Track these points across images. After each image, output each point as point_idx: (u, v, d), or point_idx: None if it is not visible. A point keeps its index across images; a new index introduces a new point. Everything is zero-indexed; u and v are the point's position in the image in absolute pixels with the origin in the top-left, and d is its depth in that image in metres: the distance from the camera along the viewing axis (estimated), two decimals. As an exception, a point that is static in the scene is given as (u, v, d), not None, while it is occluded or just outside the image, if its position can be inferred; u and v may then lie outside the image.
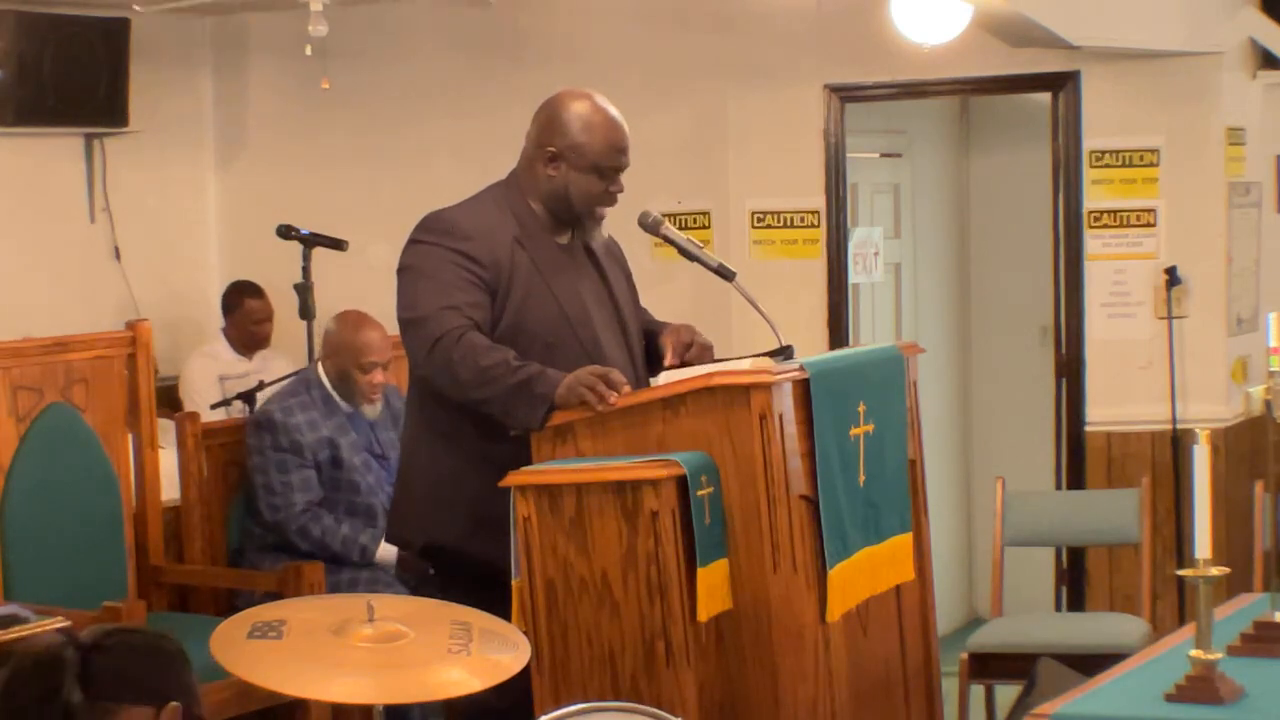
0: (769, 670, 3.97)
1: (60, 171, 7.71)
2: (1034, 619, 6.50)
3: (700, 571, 3.88)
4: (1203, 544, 3.82)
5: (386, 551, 5.90)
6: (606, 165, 4.37)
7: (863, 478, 4.26)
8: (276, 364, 7.34)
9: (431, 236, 4.34)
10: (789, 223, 7.44)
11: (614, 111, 4.42)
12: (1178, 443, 7.02)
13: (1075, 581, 7.25)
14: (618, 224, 4.58)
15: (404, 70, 7.88)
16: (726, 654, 3.99)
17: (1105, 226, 7.20)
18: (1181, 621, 6.57)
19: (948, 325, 8.85)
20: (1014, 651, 5.92)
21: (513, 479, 3.97)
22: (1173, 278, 7.08)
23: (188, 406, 7.23)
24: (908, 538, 4.47)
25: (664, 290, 6.02)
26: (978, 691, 6.15)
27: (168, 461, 6.09)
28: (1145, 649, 4.71)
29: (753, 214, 7.46)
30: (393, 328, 4.60)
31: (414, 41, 7.88)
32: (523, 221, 4.41)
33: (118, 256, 7.84)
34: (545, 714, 3.66)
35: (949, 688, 5.27)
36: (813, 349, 5.65)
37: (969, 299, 8.95)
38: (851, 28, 7.21)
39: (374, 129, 7.93)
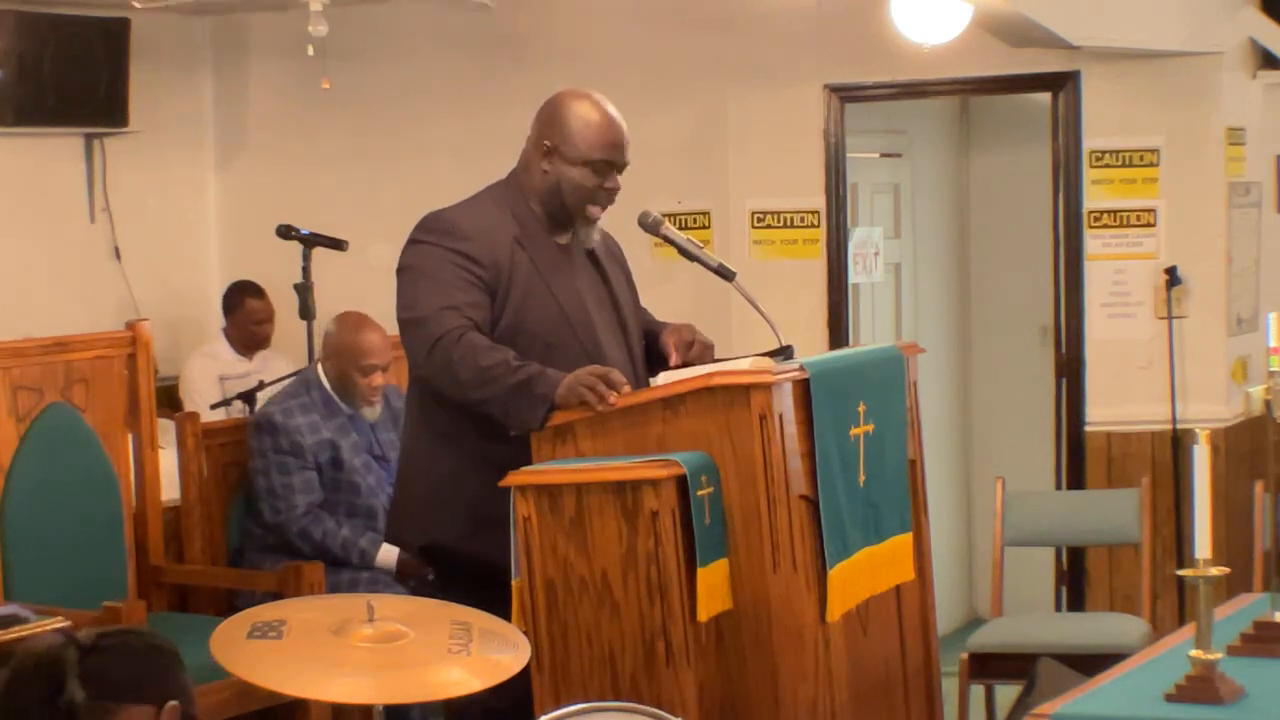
0: (769, 670, 3.97)
1: (60, 171, 7.71)
2: (1034, 619, 6.50)
3: (700, 571, 3.88)
4: (1203, 544, 3.82)
5: (385, 556, 5.91)
6: (598, 159, 4.37)
7: (863, 478, 4.26)
8: (277, 364, 7.34)
9: (431, 236, 4.34)
10: (789, 223, 7.44)
11: (612, 110, 4.42)
12: (1178, 443, 7.02)
13: (1075, 581, 7.25)
14: (618, 224, 4.58)
15: (404, 70, 7.88)
16: (726, 654, 3.99)
17: (1105, 226, 7.20)
18: (1181, 621, 6.57)
19: (948, 325, 8.85)
20: (1014, 651, 5.92)
21: (513, 479, 3.97)
22: (1173, 278, 7.08)
23: (188, 406, 7.23)
24: (908, 538, 4.47)
25: (664, 290, 6.02)
26: (978, 691, 6.15)
27: (168, 461, 6.09)
28: (1145, 649, 4.71)
29: (753, 214, 7.46)
30: (393, 328, 4.60)
31: (414, 41, 7.88)
32: (522, 221, 4.41)
33: (118, 256, 7.84)
34: (545, 714, 3.66)
35: (949, 688, 5.27)
36: (813, 349, 5.65)
37: (969, 299, 8.95)
38: (851, 28, 7.21)
39: (374, 129, 7.93)
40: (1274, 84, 7.42)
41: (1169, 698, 3.83)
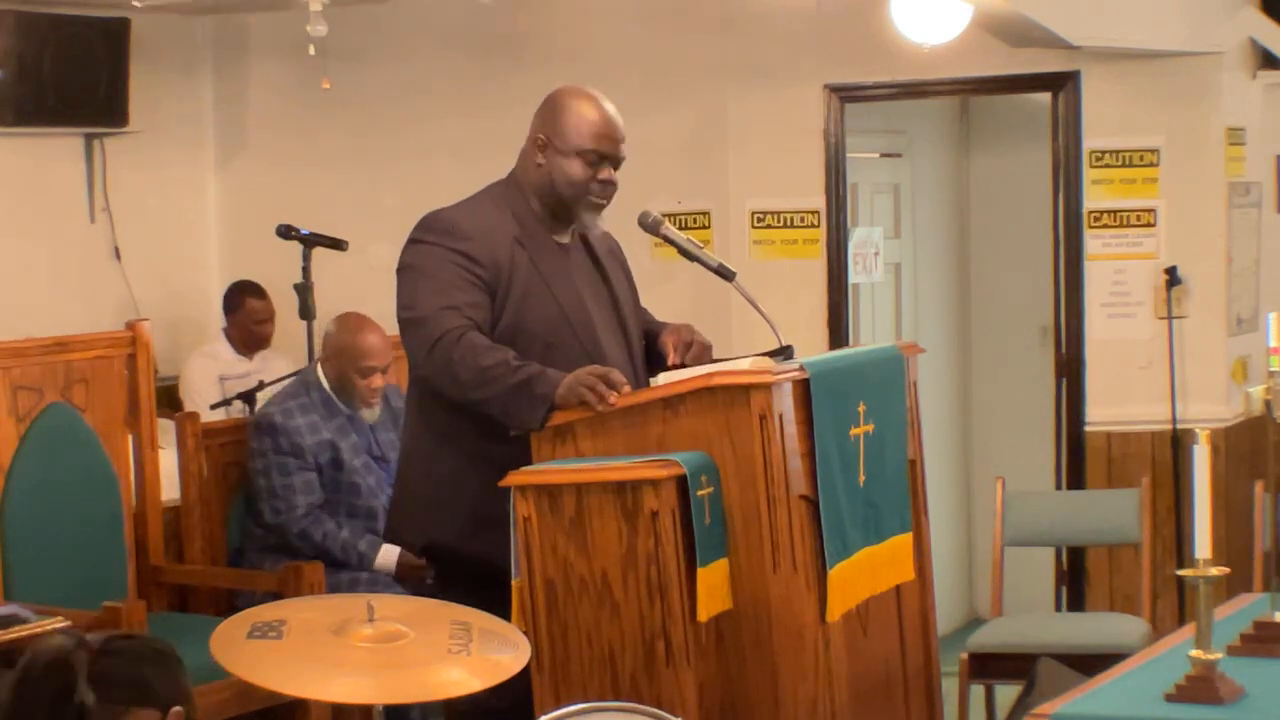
0: (769, 670, 3.97)
1: (60, 171, 7.71)
2: (1034, 619, 6.50)
3: (700, 571, 3.88)
4: (1203, 544, 3.82)
5: (384, 558, 5.91)
6: (589, 149, 4.36)
7: (863, 478, 4.26)
8: (276, 364, 7.33)
9: (431, 236, 4.34)
10: (789, 223, 7.44)
11: (607, 104, 4.42)
12: (1178, 443, 7.02)
13: (1075, 581, 7.25)
14: (618, 224, 4.58)
15: (404, 70, 7.88)
16: (726, 654, 3.99)
17: (1105, 226, 7.20)
18: (1181, 621, 6.57)
19: (948, 325, 8.85)
20: (1014, 651, 5.92)
21: (513, 479, 3.97)
22: (1173, 278, 7.08)
23: (188, 406, 7.23)
24: (908, 538, 4.47)
25: (664, 290, 6.02)
26: (978, 691, 6.15)
27: (168, 461, 6.09)
28: (1145, 649, 4.71)
29: (753, 214, 7.46)
30: (393, 329, 4.60)
31: (414, 41, 7.88)
32: (522, 221, 4.41)
33: (118, 256, 7.84)
34: (545, 714, 3.66)
35: (949, 688, 5.27)
36: (813, 349, 5.65)
37: (969, 299, 8.95)
38: (851, 28, 7.21)
39: (374, 129, 7.93)
40: (1274, 84, 7.42)
41: (1169, 698, 3.83)
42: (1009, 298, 8.73)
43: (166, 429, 6.25)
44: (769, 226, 7.45)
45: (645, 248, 6.09)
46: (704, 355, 4.45)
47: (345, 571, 5.88)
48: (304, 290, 6.49)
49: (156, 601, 5.89)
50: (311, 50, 6.60)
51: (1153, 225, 7.15)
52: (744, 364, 4.10)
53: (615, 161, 4.41)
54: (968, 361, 8.96)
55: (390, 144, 7.90)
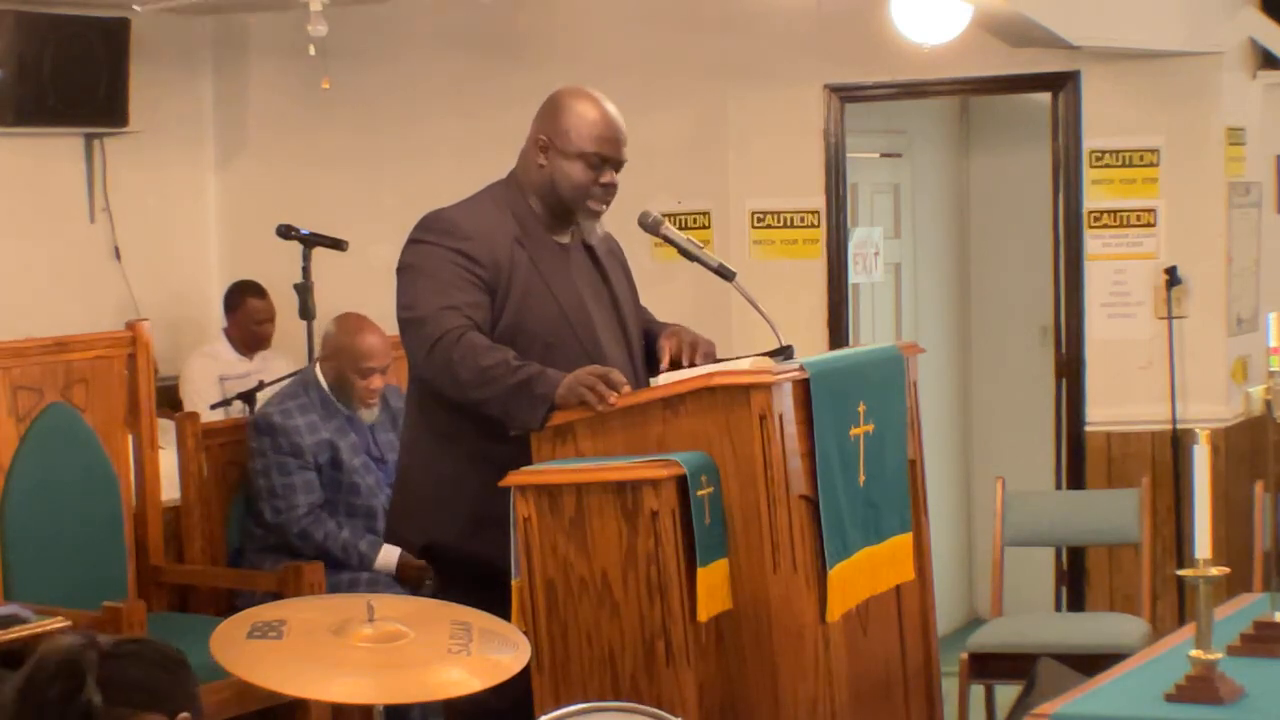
0: (769, 670, 3.97)
1: (60, 171, 7.71)
2: (1034, 619, 6.50)
3: (700, 571, 3.88)
4: (1203, 544, 3.82)
5: (385, 559, 5.91)
6: (592, 153, 4.36)
7: (863, 478, 4.26)
8: (276, 364, 7.33)
9: (431, 236, 4.34)
10: (789, 223, 7.44)
11: (609, 106, 4.42)
12: (1178, 443, 7.02)
13: (1075, 581, 7.25)
14: (618, 224, 4.58)
15: (404, 70, 7.88)
16: (726, 654, 3.99)
17: (1105, 226, 7.20)
18: (1181, 621, 6.57)
19: (948, 325, 8.85)
20: (1014, 651, 5.92)
21: (513, 479, 3.97)
22: (1173, 278, 7.08)
23: (187, 406, 7.23)
24: (908, 538, 4.47)
25: (664, 290, 6.01)
26: (978, 691, 6.15)
27: (168, 461, 6.09)
28: (1145, 649, 4.71)
29: (753, 214, 7.46)
30: (393, 329, 4.60)
31: (414, 41, 7.88)
32: (522, 221, 4.40)
33: (118, 256, 7.84)
34: (545, 714, 3.66)
35: (949, 688, 5.27)
36: (813, 349, 5.65)
37: (969, 299, 8.96)
38: (851, 28, 7.21)
39: (374, 129, 7.93)
40: (1274, 84, 7.42)
41: (1169, 698, 3.83)
42: (1009, 298, 8.73)
43: (166, 429, 6.25)
44: (769, 226, 7.45)
45: (645, 248, 6.10)
46: (713, 353, 4.45)
47: (345, 571, 5.88)
48: (304, 290, 6.48)
49: (156, 601, 5.89)
50: (311, 50, 6.60)
51: (1153, 225, 7.15)
52: (744, 364, 4.10)
53: (617, 164, 4.41)
54: (968, 361, 8.96)
55: (390, 144, 7.90)
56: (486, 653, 3.63)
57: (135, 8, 7.36)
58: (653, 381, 4.24)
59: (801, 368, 4.09)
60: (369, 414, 6.02)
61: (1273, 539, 5.73)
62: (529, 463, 4.08)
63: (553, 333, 4.32)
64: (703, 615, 3.90)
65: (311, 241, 6.57)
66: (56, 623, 4.78)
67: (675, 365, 4.42)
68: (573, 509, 3.94)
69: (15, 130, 7.37)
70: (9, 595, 5.38)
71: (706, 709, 3.95)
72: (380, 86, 7.89)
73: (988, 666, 6.00)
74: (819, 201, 7.40)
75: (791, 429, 4.01)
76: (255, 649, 3.56)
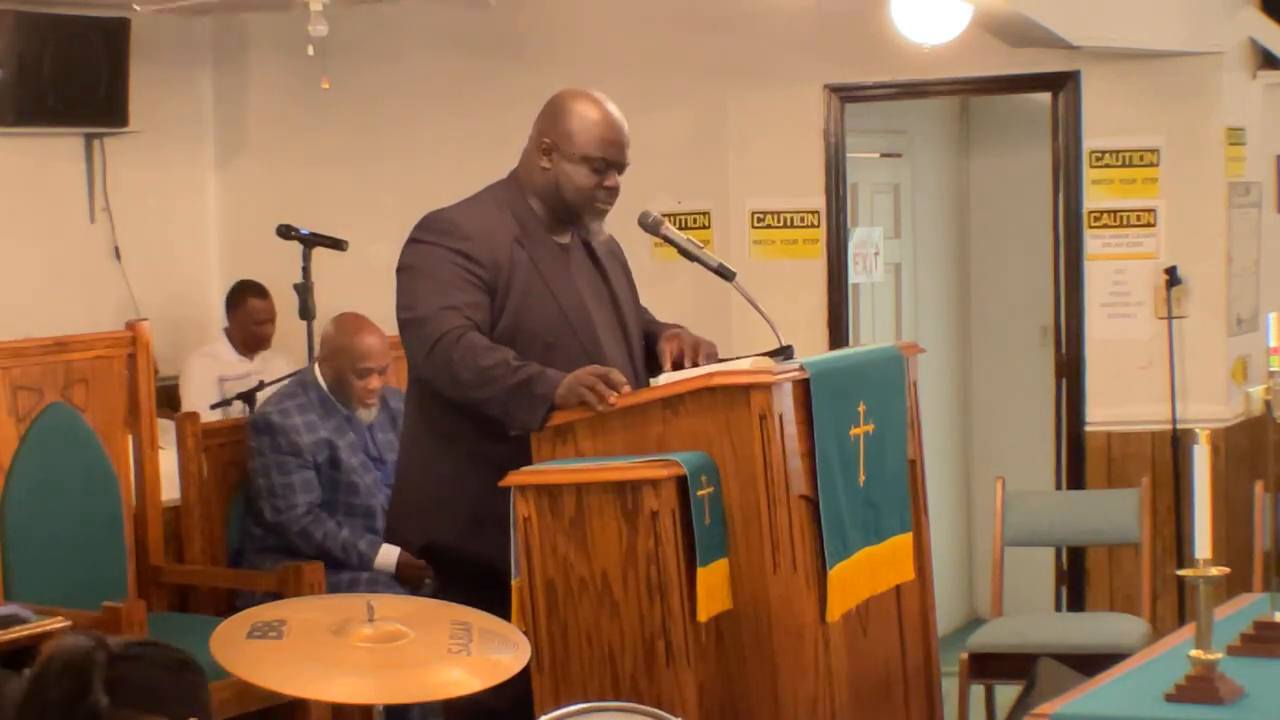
0: (769, 670, 3.97)
1: (60, 171, 7.71)
2: (1034, 619, 6.50)
3: (700, 571, 3.88)
4: (1203, 544, 3.82)
5: (384, 559, 5.91)
6: (596, 156, 4.36)
7: (863, 478, 4.26)
8: (276, 364, 7.33)
9: (431, 236, 4.34)
10: (789, 223, 7.44)
11: (613, 108, 4.42)
12: (1178, 443, 7.02)
13: (1075, 581, 7.25)
14: (618, 224, 4.58)
15: (404, 70, 7.88)
16: (726, 654, 3.99)
17: (1105, 226, 7.20)
18: (1181, 621, 6.57)
19: (948, 325, 8.85)
20: (1014, 651, 5.92)
21: (513, 479, 3.97)
22: (1173, 278, 7.08)
23: (186, 407, 7.23)
24: (908, 538, 4.47)
25: (664, 290, 6.02)
26: (978, 691, 6.15)
27: (168, 461, 6.09)
28: (1145, 649, 4.71)
29: (753, 214, 7.46)
30: (392, 330, 4.60)
31: (414, 41, 7.88)
32: (523, 221, 4.40)
33: (118, 256, 7.84)
34: (545, 714, 3.66)
35: (949, 688, 5.27)
36: (813, 349, 5.65)
37: (969, 299, 8.96)
38: (851, 28, 7.21)
39: (374, 129, 7.93)
40: (1274, 84, 7.42)
41: (1169, 698, 3.83)
42: (1009, 298, 8.73)
43: (166, 429, 6.25)
44: (769, 226, 7.45)
45: (645, 248, 6.09)
46: (714, 354, 4.45)
47: (345, 571, 5.88)
48: (304, 290, 6.48)
49: (156, 601, 5.89)
50: (310, 50, 6.60)
51: (1153, 225, 7.15)
52: (744, 364, 4.10)
53: (620, 167, 4.41)
54: (968, 361, 8.96)
55: (390, 144, 7.90)
56: (486, 653, 3.63)
57: (135, 7, 7.35)
58: (653, 382, 4.24)
59: (801, 368, 4.09)
60: (367, 414, 6.02)
61: (1273, 539, 5.73)
62: (529, 463, 4.08)
63: (553, 333, 4.32)
64: (703, 615, 3.90)
65: (311, 241, 6.57)
66: (56, 623, 4.78)
67: (677, 367, 4.42)
68: (573, 509, 3.94)
69: (15, 130, 7.37)
70: (9, 595, 5.38)
71: (706, 709, 3.95)
72: (380, 86, 7.89)
73: (988, 666, 6.00)
74: (819, 201, 7.40)
75: (791, 429, 4.01)
76: (255, 649, 3.56)
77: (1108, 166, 7.18)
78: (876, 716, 4.40)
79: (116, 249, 7.84)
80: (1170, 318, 7.09)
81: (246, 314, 7.57)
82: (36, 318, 7.02)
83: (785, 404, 4.01)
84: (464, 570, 4.32)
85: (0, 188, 7.43)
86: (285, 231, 6.61)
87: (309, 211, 7.27)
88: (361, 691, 3.55)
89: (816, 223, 7.41)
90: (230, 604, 5.81)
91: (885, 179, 8.56)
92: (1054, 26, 6.70)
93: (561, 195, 4.39)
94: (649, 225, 4.51)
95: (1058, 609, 7.28)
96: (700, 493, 3.88)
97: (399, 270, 4.36)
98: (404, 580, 5.89)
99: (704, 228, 7.45)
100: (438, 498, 4.37)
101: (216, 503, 6.15)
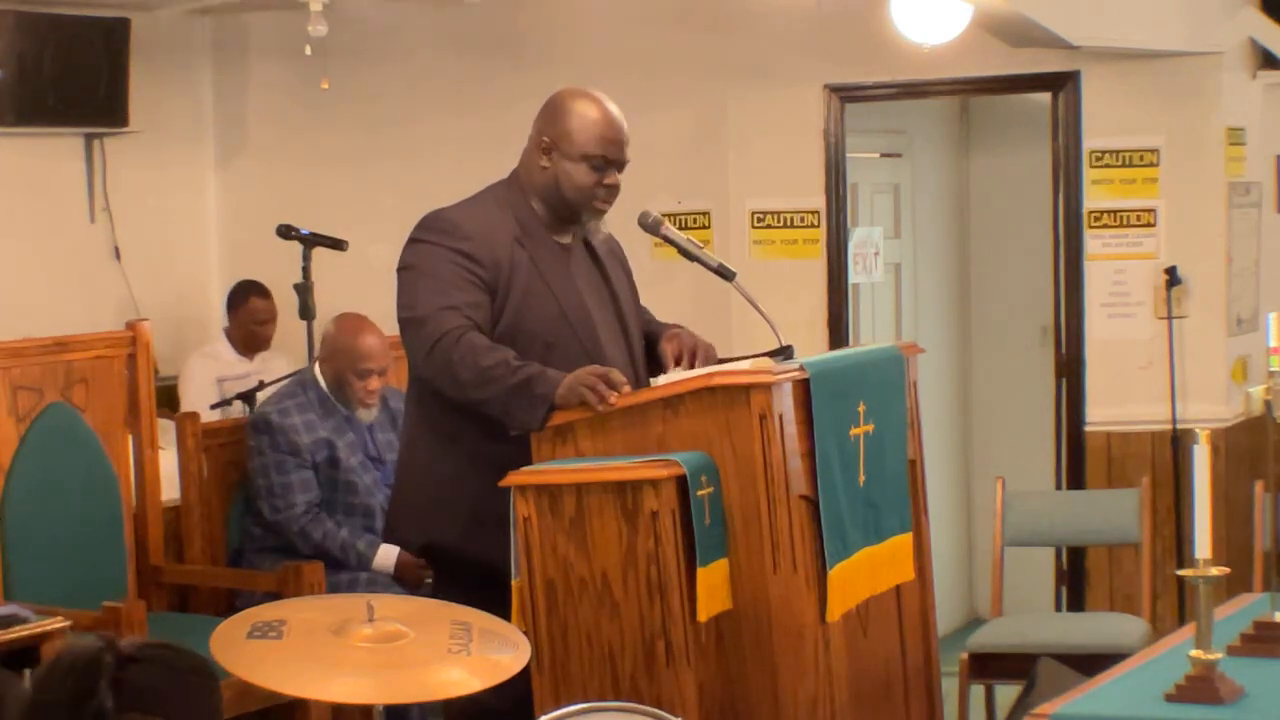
0: (769, 670, 3.97)
1: (60, 171, 7.71)
2: (1034, 619, 6.50)
3: (700, 571, 3.88)
4: (1203, 544, 3.82)
5: (383, 559, 5.91)
6: (596, 154, 4.36)
7: (863, 478, 4.26)
8: (276, 364, 7.33)
9: (431, 236, 4.34)
10: (789, 223, 7.44)
11: (612, 107, 4.42)
12: (1178, 443, 7.02)
13: (1075, 581, 7.25)
14: (618, 224, 4.58)
15: (404, 70, 7.88)
16: (726, 654, 3.99)
17: (1105, 226, 7.20)
18: (1181, 621, 6.57)
19: (948, 325, 8.85)
20: (1014, 651, 5.92)
21: (513, 479, 3.97)
22: (1173, 278, 7.08)
23: (186, 407, 7.22)
24: (908, 538, 4.47)
25: (664, 290, 6.02)
26: (978, 691, 6.15)
27: (168, 461, 6.09)
28: (1145, 649, 4.71)
29: (753, 214, 7.46)
30: (392, 330, 4.60)
31: (414, 41, 7.88)
32: (523, 221, 4.40)
33: (118, 256, 7.84)
34: (545, 714, 3.66)
35: (949, 688, 5.27)
36: (813, 349, 5.65)
37: (969, 299, 8.96)
38: (851, 28, 7.21)
39: (374, 129, 7.93)
40: (1274, 84, 7.42)
41: (1169, 698, 3.83)
42: (1009, 298, 8.73)
43: (166, 429, 6.25)
44: (769, 226, 7.45)
45: (645, 248, 6.09)
46: (713, 356, 4.45)
47: (345, 571, 5.88)
48: (304, 290, 6.48)
49: (156, 601, 5.89)
50: (310, 50, 6.60)
51: (1153, 225, 7.15)
52: (744, 364, 4.10)
53: (620, 165, 4.41)
54: (968, 361, 8.96)
55: (390, 144, 7.90)
56: (486, 653, 3.63)
57: (135, 7, 7.36)
58: (653, 382, 4.24)
59: (801, 368, 4.09)
60: (367, 414, 6.02)
61: (1273, 539, 5.73)
62: (529, 463, 4.08)
63: (553, 333, 4.32)
64: (703, 615, 3.90)
65: (311, 241, 6.57)
66: (56, 623, 4.77)
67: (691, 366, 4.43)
68: (573, 509, 3.94)
69: (15, 130, 7.37)
70: (9, 595, 5.38)
71: (706, 709, 3.95)
72: (380, 86, 7.89)
73: (988, 666, 6.00)
74: (819, 201, 7.40)
75: (791, 429, 4.01)
76: (255, 649, 3.56)
77: (1108, 166, 7.18)
78: (876, 716, 4.40)
79: (116, 249, 7.84)
80: (1170, 318, 7.09)
81: (248, 313, 7.57)
82: (36, 318, 7.02)
83: (785, 404, 4.00)
84: (464, 570, 4.32)
85: (0, 188, 7.43)
86: (285, 231, 6.61)
87: (309, 211, 7.27)
88: (361, 691, 3.55)
89: (816, 223, 7.41)
90: (230, 604, 5.81)
91: (885, 179, 8.56)
92: (1054, 26, 6.70)
93: (561, 194, 4.39)
94: (649, 225, 4.51)
95: (1058, 609, 7.28)
96: (700, 493, 3.88)
97: (399, 270, 4.36)
98: (403, 580, 5.89)
99: (704, 228, 7.45)
100: (438, 498, 4.37)
101: (216, 503, 6.15)
